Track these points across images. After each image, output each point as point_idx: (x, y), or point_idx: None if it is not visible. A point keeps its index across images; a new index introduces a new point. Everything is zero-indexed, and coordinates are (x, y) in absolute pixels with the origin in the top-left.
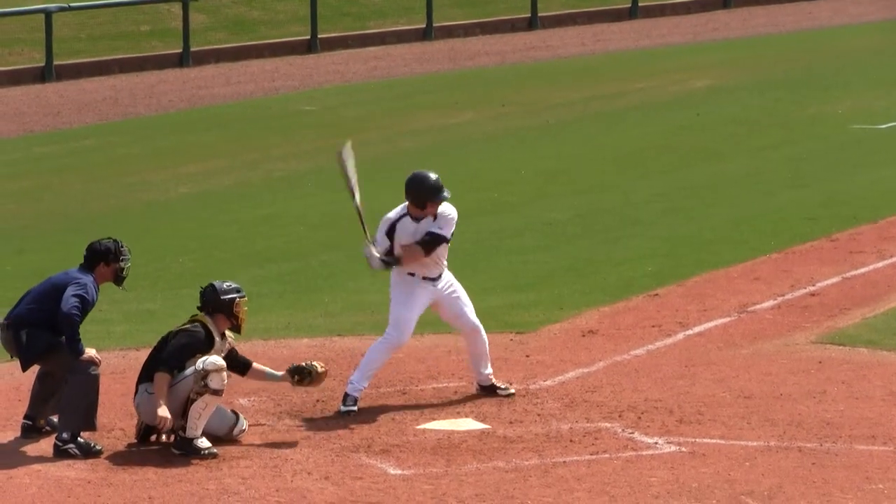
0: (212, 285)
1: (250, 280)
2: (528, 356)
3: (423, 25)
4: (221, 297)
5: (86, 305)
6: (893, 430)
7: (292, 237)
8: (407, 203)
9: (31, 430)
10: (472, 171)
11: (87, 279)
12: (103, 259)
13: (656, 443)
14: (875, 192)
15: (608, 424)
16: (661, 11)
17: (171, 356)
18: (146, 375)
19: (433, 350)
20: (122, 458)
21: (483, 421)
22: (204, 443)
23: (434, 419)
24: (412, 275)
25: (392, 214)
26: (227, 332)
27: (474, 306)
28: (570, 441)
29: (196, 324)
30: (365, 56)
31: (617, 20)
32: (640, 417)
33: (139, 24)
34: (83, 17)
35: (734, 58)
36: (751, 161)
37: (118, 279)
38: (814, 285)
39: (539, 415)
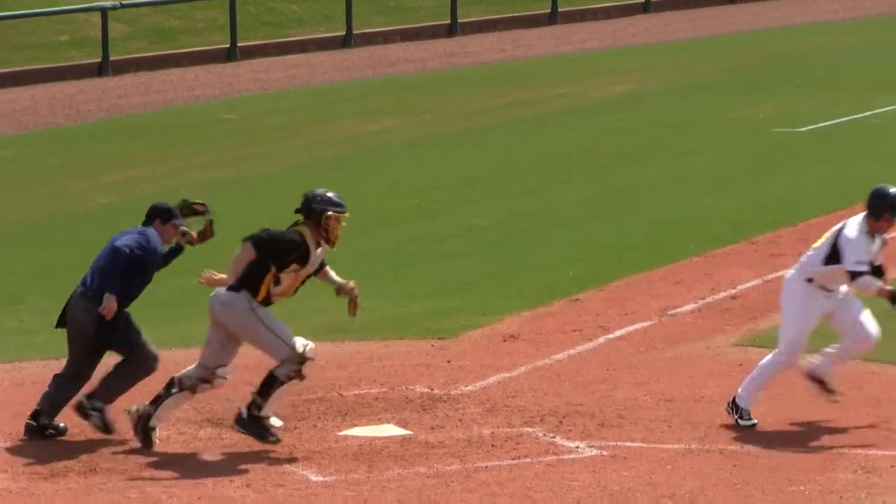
0: (312, 191)
1: (174, 289)
2: (449, 361)
3: (343, 33)
4: (312, 206)
5: (138, 251)
6: (814, 431)
7: (214, 246)
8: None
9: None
10: (393, 178)
11: (149, 231)
12: (159, 216)
13: (578, 447)
14: (795, 195)
15: (530, 429)
16: (580, 17)
17: (269, 237)
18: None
19: (355, 356)
20: (44, 467)
21: (405, 427)
22: (275, 422)
23: (355, 425)
24: (810, 280)
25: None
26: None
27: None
28: (492, 446)
29: (296, 227)
30: (285, 64)
31: (536, 26)
32: (561, 422)
33: (58, 33)
34: (2, 27)
35: (655, 62)
36: (672, 165)
37: (177, 236)
38: (734, 288)
39: (460, 420)
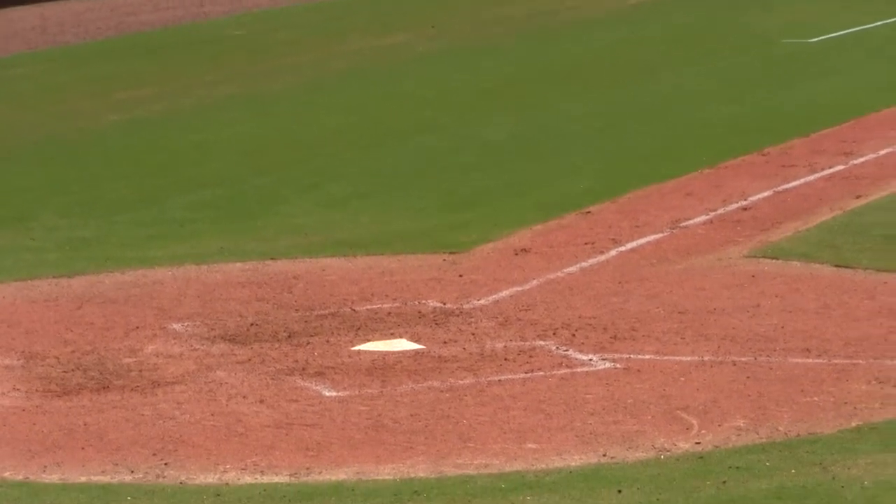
0: None
1: (183, 206)
2: (461, 276)
3: None
4: None
5: None
6: (827, 342)
7: (224, 162)
8: None
9: None
10: (405, 91)
11: None
12: None
13: (591, 360)
14: (806, 106)
15: (542, 342)
16: None
17: None
18: None
19: (367, 272)
20: (57, 386)
21: (417, 341)
22: None
23: (368, 340)
24: None
25: None
26: None
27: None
28: (505, 360)
29: None
30: None
31: None
32: (574, 335)
33: None
34: None
35: None
36: (683, 76)
37: None
38: (746, 199)
39: (473, 334)
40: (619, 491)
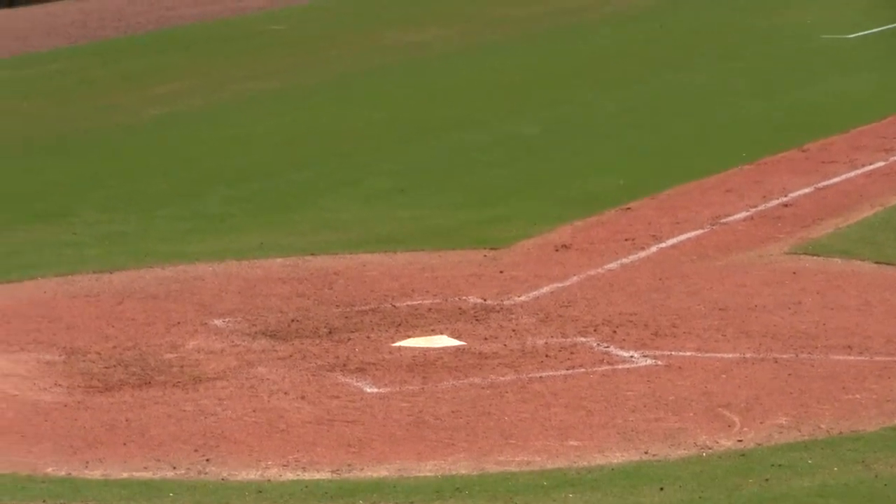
0: None
1: (222, 200)
2: (501, 272)
3: None
4: None
5: None
6: (869, 339)
7: (262, 156)
8: None
9: None
10: (438, 86)
11: None
12: None
13: (632, 356)
14: (845, 102)
15: (583, 339)
16: None
17: None
18: None
19: (407, 267)
20: (99, 381)
21: (458, 338)
22: None
23: (409, 336)
24: None
25: None
26: None
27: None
28: (546, 356)
29: None
30: None
31: None
32: (615, 331)
33: None
34: None
35: None
36: (719, 72)
37: None
38: (786, 196)
39: (514, 330)
40: (661, 488)
